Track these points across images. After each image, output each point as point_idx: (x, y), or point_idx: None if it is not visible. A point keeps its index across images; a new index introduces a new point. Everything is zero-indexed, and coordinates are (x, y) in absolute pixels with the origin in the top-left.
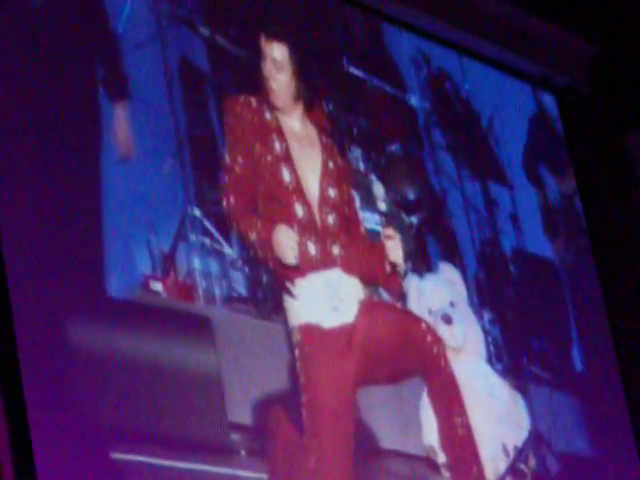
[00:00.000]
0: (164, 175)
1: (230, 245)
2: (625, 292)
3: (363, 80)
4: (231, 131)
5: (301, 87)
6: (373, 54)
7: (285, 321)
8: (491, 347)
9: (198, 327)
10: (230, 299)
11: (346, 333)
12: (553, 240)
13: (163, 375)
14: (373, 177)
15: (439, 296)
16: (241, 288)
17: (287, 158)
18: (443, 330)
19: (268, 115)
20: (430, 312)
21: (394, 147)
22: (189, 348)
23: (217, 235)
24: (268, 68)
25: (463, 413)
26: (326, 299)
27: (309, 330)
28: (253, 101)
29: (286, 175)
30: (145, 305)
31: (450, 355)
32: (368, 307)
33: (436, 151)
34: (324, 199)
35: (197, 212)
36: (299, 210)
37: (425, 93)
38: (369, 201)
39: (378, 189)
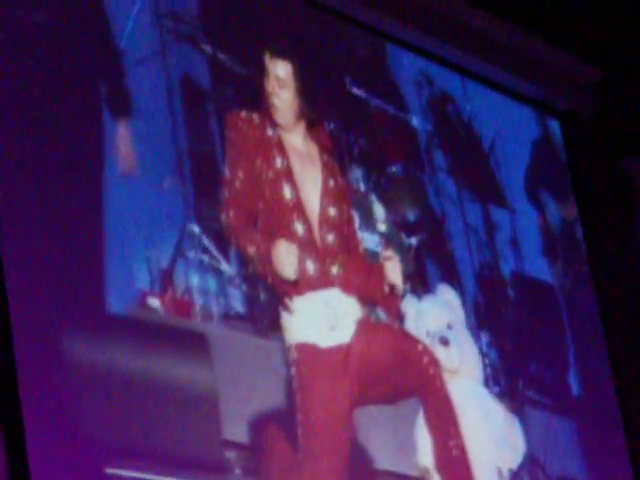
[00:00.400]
0: (164, 191)
1: (228, 262)
2: (623, 318)
3: (365, 101)
4: (232, 146)
5: (304, 105)
6: (376, 75)
7: (282, 339)
8: (488, 370)
9: (195, 344)
10: (227, 316)
11: (342, 353)
12: (552, 264)
13: (159, 391)
14: (373, 197)
15: (437, 318)
16: (238, 305)
17: (288, 174)
18: (440, 352)
19: (270, 131)
20: (428, 334)
21: (395, 168)
22: (186, 365)
23: (216, 252)
24: (271, 85)
25: (458, 436)
26: (324, 319)
27: (306, 349)
28: (255, 117)
29: (287, 192)
30: (142, 321)
31: (446, 377)
32: (365, 327)
33: (437, 173)
34: (324, 218)
35: (196, 229)
36: (299, 228)
37: (427, 115)
38: (369, 221)
39: (378, 210)
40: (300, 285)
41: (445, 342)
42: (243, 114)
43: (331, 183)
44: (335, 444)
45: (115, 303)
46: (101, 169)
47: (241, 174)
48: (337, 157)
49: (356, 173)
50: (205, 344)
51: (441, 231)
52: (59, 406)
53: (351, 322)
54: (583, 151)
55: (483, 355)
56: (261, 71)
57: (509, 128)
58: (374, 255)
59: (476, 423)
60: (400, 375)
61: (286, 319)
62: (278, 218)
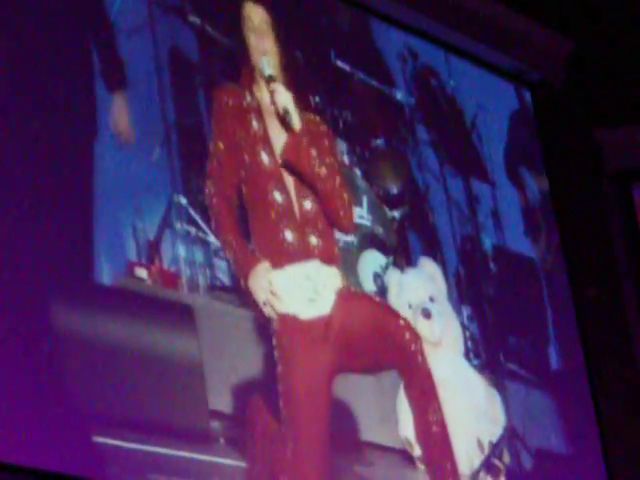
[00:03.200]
0: (152, 163)
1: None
2: (594, 288)
3: (350, 74)
4: (217, 120)
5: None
6: (360, 48)
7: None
8: (469, 343)
9: (181, 315)
10: (213, 288)
11: (323, 324)
12: (535, 240)
13: (146, 361)
14: (357, 170)
15: (419, 291)
16: (225, 277)
17: (265, 139)
18: (422, 324)
19: (248, 98)
20: (410, 306)
21: (379, 141)
22: (172, 335)
23: (202, 223)
24: (251, 38)
25: (439, 410)
26: (304, 291)
27: (286, 320)
28: (237, 88)
29: (264, 157)
30: (129, 291)
31: (428, 349)
32: (345, 297)
33: (420, 147)
34: (301, 183)
35: (183, 200)
36: (278, 197)
37: (411, 89)
38: (352, 194)
39: (362, 183)
40: (280, 258)
41: (427, 314)
42: (228, 87)
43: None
44: (315, 414)
45: (103, 273)
46: (93, 139)
47: (221, 145)
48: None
49: (341, 146)
50: (191, 315)
51: (424, 204)
52: (46, 375)
53: (331, 293)
54: (554, 122)
55: (464, 328)
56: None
57: (491, 102)
58: (357, 227)
59: (457, 395)
60: (381, 348)
61: None
62: (257, 186)
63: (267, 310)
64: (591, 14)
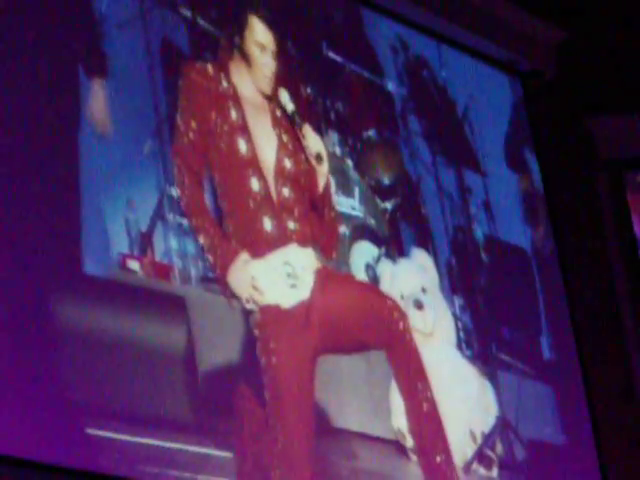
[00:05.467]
0: (144, 154)
1: None
2: (585, 274)
3: (342, 65)
4: (185, 96)
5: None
6: (352, 40)
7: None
8: (461, 333)
9: (173, 306)
10: (205, 279)
11: (304, 309)
12: (534, 226)
13: (138, 353)
14: (349, 161)
15: (411, 281)
16: None
17: (243, 128)
18: (414, 315)
19: (225, 84)
20: (402, 297)
21: (370, 132)
22: (163, 327)
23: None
24: (252, 49)
25: (430, 397)
26: (284, 278)
27: (268, 311)
28: (209, 68)
29: (242, 146)
30: (122, 283)
31: (420, 340)
32: (324, 278)
33: (412, 137)
34: (279, 170)
35: (175, 192)
36: (255, 184)
37: (402, 80)
38: (344, 185)
39: (353, 174)
40: (260, 247)
41: (419, 305)
42: (198, 64)
43: (284, 137)
44: (301, 405)
45: (95, 265)
46: (77, 129)
47: (194, 124)
48: (314, 121)
49: (332, 138)
50: (183, 306)
51: (416, 195)
52: (38, 367)
53: (310, 275)
54: (545, 111)
55: (456, 319)
56: (240, 33)
57: (483, 93)
58: (349, 218)
59: (449, 386)
60: (366, 326)
61: None
62: (234, 174)
63: (249, 306)
64: (582, 4)
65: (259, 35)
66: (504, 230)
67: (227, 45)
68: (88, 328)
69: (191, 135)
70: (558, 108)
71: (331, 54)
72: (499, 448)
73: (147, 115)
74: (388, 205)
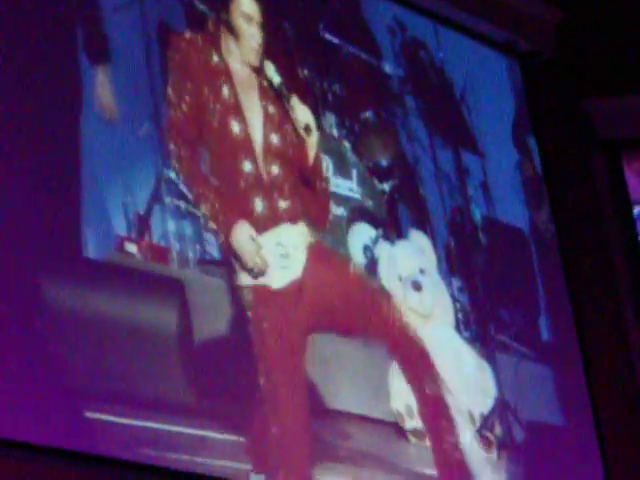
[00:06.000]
0: (141, 137)
1: None
2: (583, 257)
3: (338, 46)
4: (177, 68)
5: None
6: (349, 21)
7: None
8: (459, 315)
9: (171, 289)
10: (203, 262)
11: (295, 289)
12: (537, 208)
13: (136, 336)
14: (346, 143)
15: (409, 263)
16: (214, 251)
17: (236, 108)
18: (412, 297)
19: (216, 58)
20: (400, 279)
21: (368, 114)
22: (162, 310)
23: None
24: (239, 21)
25: (435, 381)
26: (277, 259)
27: (260, 292)
28: (199, 39)
29: (235, 127)
30: (119, 266)
31: (419, 322)
32: (316, 256)
33: (409, 119)
34: (267, 147)
35: (172, 175)
36: (247, 165)
37: (399, 61)
38: (342, 167)
39: (351, 155)
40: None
41: (417, 287)
42: (187, 35)
43: (271, 109)
44: (294, 384)
45: (92, 248)
46: (79, 114)
47: (188, 98)
48: (310, 103)
49: (330, 119)
50: (181, 289)
51: (413, 176)
52: (37, 350)
53: (302, 253)
54: (544, 92)
55: (455, 300)
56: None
57: (481, 74)
58: (346, 200)
59: (448, 368)
60: (361, 312)
61: None
62: (225, 155)
63: (247, 279)
64: None
65: (244, 6)
66: (502, 211)
67: (215, 20)
68: (86, 311)
69: (184, 107)
70: (556, 88)
71: (328, 35)
72: (498, 429)
73: (144, 98)
74: (386, 187)
